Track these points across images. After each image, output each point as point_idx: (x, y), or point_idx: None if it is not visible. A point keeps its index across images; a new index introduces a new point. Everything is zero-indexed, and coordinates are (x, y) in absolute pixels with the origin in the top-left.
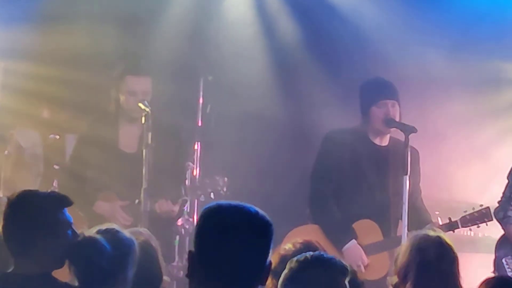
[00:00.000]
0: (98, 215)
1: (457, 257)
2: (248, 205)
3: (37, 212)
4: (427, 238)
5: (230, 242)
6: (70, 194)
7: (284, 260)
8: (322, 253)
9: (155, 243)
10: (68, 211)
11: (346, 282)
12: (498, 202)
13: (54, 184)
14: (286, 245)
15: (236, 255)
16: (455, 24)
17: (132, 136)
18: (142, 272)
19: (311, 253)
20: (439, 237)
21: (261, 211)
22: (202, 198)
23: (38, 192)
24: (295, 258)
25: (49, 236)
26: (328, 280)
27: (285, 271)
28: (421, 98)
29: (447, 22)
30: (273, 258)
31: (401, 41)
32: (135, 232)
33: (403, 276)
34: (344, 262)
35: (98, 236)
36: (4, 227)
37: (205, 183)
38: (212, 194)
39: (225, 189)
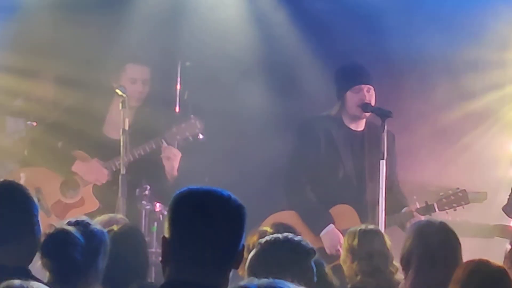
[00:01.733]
0: (72, 173)
1: (459, 243)
2: (219, 189)
3: (17, 203)
4: (430, 224)
5: (203, 227)
6: (44, 153)
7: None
8: (289, 235)
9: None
10: (42, 171)
11: (312, 263)
12: (508, 199)
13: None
14: (265, 227)
15: (209, 240)
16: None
17: (117, 123)
18: (128, 259)
19: (280, 234)
20: (442, 223)
21: (233, 195)
22: (181, 143)
23: (11, 182)
24: (264, 239)
25: (27, 226)
26: (294, 260)
27: (254, 250)
28: (398, 82)
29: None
30: (250, 239)
31: (384, 25)
32: (115, 218)
33: (406, 262)
34: (310, 244)
35: (71, 228)
36: None
37: (181, 128)
38: (190, 138)
39: (202, 132)
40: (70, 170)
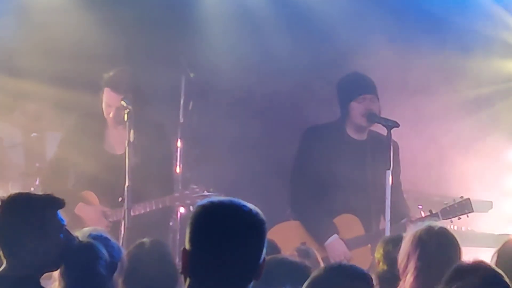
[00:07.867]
0: (78, 216)
1: (460, 247)
2: (240, 201)
3: (26, 213)
4: (429, 229)
5: (225, 239)
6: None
7: None
8: (343, 262)
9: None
10: None
11: None
12: None
13: (36, 182)
14: None
15: (230, 252)
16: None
17: (117, 138)
18: (157, 273)
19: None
20: (442, 228)
21: (254, 208)
22: (191, 208)
23: (30, 194)
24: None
25: (37, 237)
26: None
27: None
28: (401, 90)
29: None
30: None
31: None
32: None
33: (404, 267)
34: (366, 272)
35: (95, 242)
36: None
37: (183, 195)
38: (191, 207)
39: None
40: (74, 212)
